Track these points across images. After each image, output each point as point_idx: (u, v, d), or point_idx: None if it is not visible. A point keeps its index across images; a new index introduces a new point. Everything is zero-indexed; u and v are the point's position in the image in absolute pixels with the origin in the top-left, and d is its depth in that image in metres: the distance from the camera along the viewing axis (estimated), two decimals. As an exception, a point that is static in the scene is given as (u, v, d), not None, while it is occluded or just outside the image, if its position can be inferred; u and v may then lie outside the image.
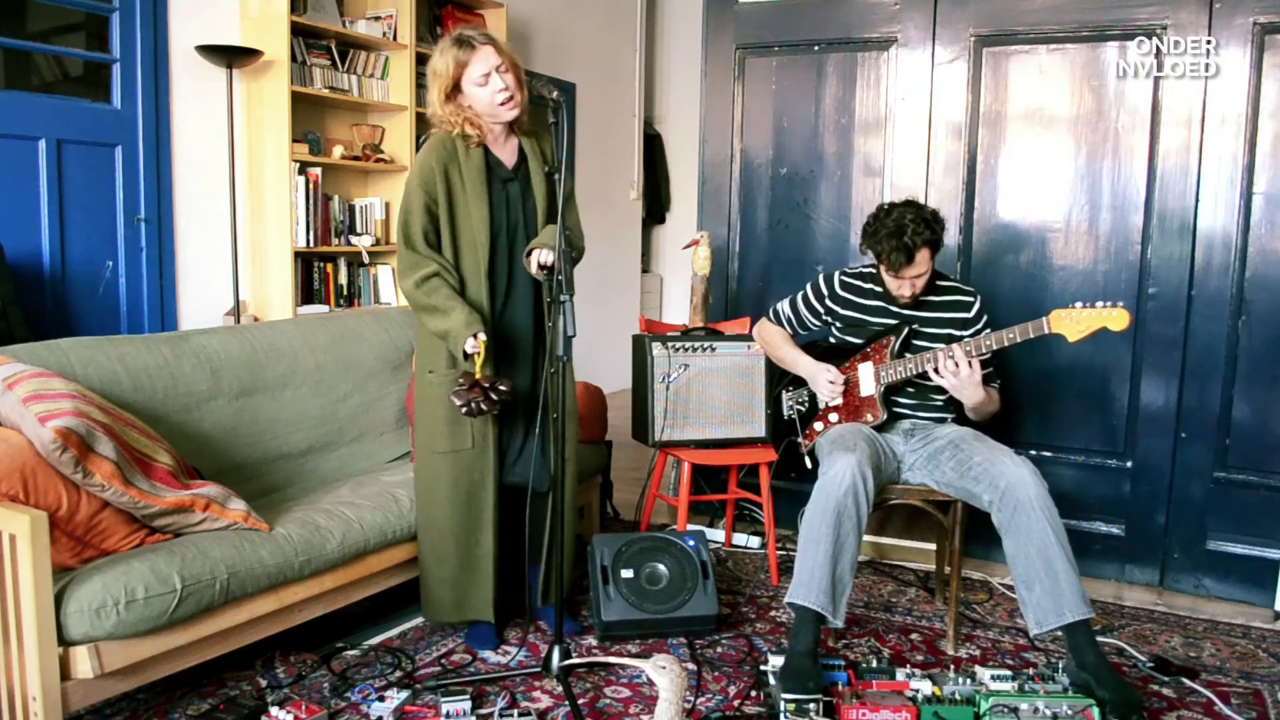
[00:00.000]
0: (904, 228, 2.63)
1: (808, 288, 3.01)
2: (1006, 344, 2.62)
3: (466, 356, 2.47)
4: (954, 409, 2.83)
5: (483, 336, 2.42)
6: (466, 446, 2.58)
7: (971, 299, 2.83)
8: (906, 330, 2.79)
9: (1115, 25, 3.24)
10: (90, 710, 2.26)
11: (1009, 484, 2.47)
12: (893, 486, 2.76)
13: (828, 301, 2.95)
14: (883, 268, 2.75)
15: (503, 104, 2.48)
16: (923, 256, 2.67)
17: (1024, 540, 2.44)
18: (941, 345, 2.73)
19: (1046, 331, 2.57)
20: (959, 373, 2.62)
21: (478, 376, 2.41)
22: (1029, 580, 2.44)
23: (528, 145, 2.62)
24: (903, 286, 2.73)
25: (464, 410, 2.37)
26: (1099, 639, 2.80)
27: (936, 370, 2.66)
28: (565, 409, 2.51)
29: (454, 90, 2.50)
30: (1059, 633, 2.43)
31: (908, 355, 2.76)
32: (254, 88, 3.96)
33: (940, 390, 2.74)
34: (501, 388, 2.39)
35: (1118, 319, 2.53)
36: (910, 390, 2.84)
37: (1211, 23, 3.11)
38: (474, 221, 2.53)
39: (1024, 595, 2.46)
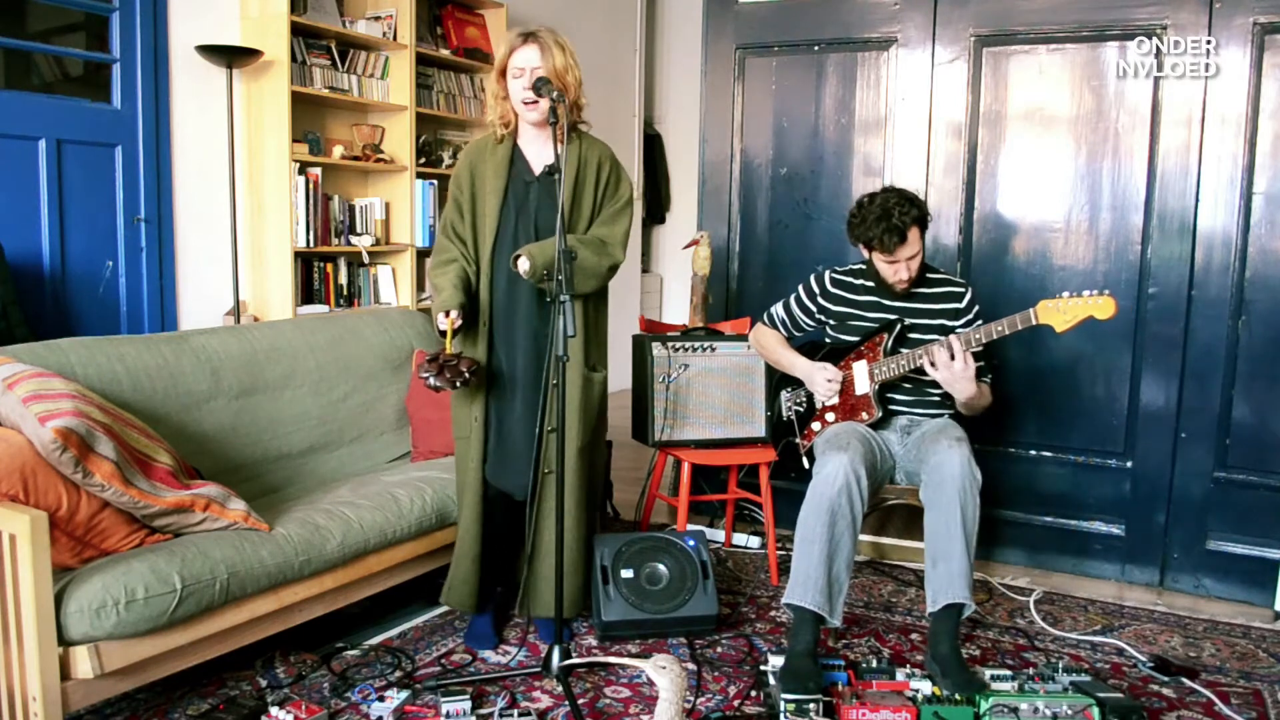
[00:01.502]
0: (890, 210, 2.68)
1: (799, 289, 3.02)
2: (996, 336, 2.63)
3: (443, 334, 2.52)
4: (950, 405, 2.83)
5: (454, 315, 2.48)
6: (465, 435, 2.64)
7: (962, 289, 2.85)
8: (899, 327, 2.80)
9: (1115, 25, 3.24)
10: (90, 710, 2.26)
11: (938, 462, 2.53)
12: (890, 486, 2.76)
13: (820, 300, 2.96)
14: (875, 255, 2.76)
15: (525, 103, 2.51)
16: (914, 235, 2.70)
17: (937, 517, 2.51)
18: (935, 338, 2.74)
19: (1034, 322, 2.58)
20: (952, 366, 2.62)
21: (448, 352, 2.48)
22: (935, 558, 2.50)
23: (572, 151, 2.58)
24: (899, 270, 2.75)
25: (426, 383, 2.43)
26: (1096, 638, 2.82)
27: (932, 364, 2.67)
28: (565, 414, 2.50)
29: (502, 73, 2.55)
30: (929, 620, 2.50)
31: (901, 351, 2.77)
32: (254, 88, 3.96)
33: (937, 385, 2.75)
34: (460, 367, 2.44)
35: (1103, 307, 2.54)
36: (906, 386, 2.84)
37: (1211, 23, 3.11)
38: (486, 217, 2.60)
39: (929, 571, 2.52)
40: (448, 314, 2.49)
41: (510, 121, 2.60)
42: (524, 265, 2.46)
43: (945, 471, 2.50)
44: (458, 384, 2.44)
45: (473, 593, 2.66)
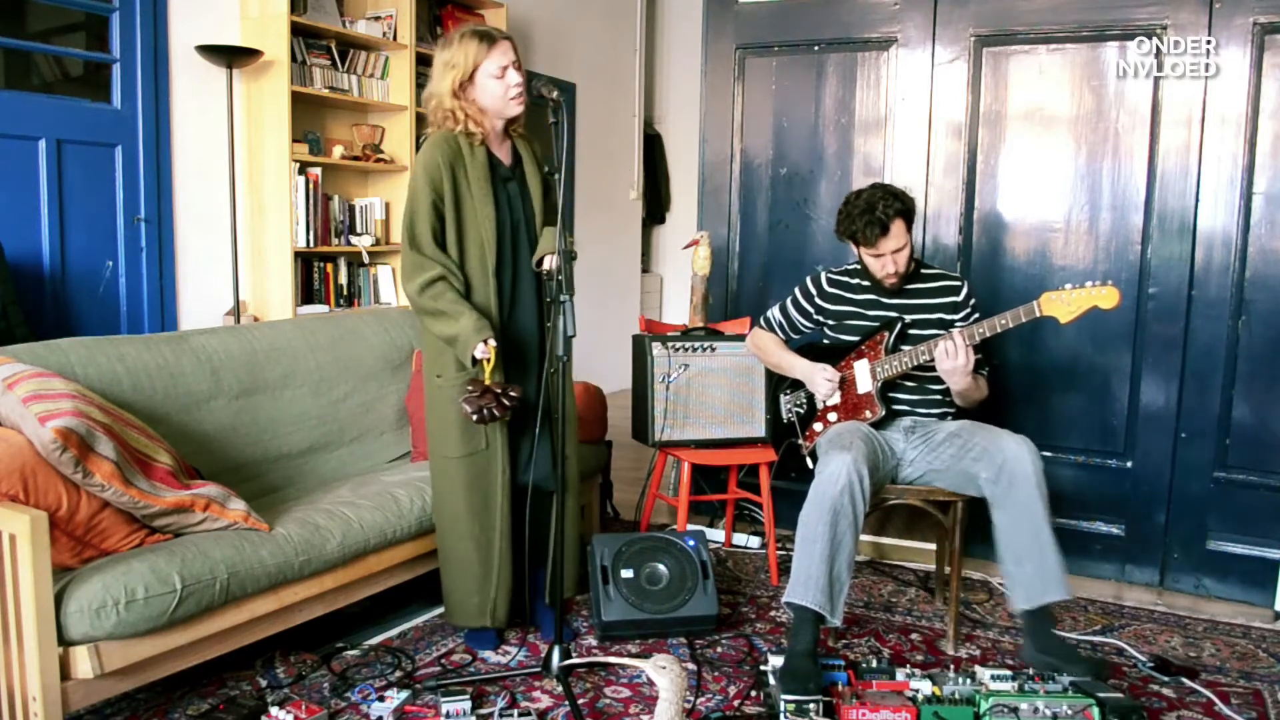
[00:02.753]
0: (874, 204, 2.70)
1: (796, 291, 3.02)
2: (1000, 329, 2.63)
3: (475, 362, 2.45)
4: (953, 403, 2.83)
5: (493, 342, 2.41)
6: (481, 449, 2.57)
7: (959, 283, 2.86)
8: (900, 324, 2.80)
9: (1115, 25, 3.24)
10: (90, 710, 2.26)
11: (1007, 459, 2.51)
12: (892, 486, 2.76)
13: (817, 300, 2.96)
14: (862, 250, 2.78)
15: (514, 98, 2.51)
16: (898, 228, 2.71)
17: (1018, 515, 2.49)
18: (936, 333, 2.74)
19: (1038, 314, 2.58)
20: (957, 359, 2.62)
21: (488, 382, 2.40)
22: (1019, 556, 2.49)
23: (522, 147, 2.65)
24: (885, 265, 2.75)
25: (475, 418, 2.36)
26: (1096, 637, 2.82)
27: (935, 358, 2.67)
28: (565, 410, 2.51)
29: (466, 82, 2.51)
30: (1021, 619, 2.53)
31: (902, 349, 2.77)
32: (254, 88, 3.96)
33: (939, 382, 2.75)
34: (512, 394, 2.39)
35: (1107, 297, 2.54)
36: (909, 385, 2.84)
37: (1211, 23, 3.11)
38: (480, 220, 2.53)
39: (1012, 570, 2.52)
40: (486, 342, 2.41)
41: (483, 124, 2.54)
42: (558, 264, 2.41)
43: (1019, 470, 2.49)
44: (508, 414, 2.40)
45: (510, 601, 2.65)
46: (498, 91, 2.50)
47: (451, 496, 2.60)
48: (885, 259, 2.74)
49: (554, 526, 2.59)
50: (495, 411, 2.35)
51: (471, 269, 2.54)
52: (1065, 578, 2.48)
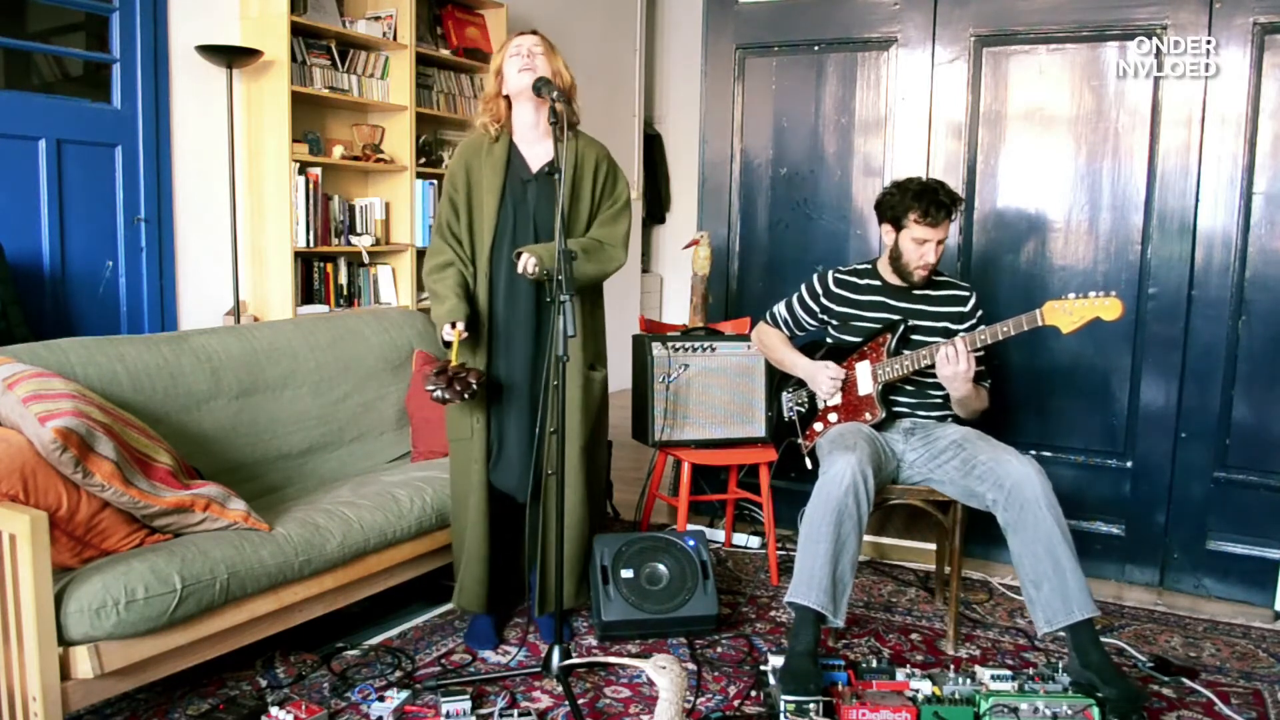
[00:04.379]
0: (936, 187, 2.72)
1: (802, 288, 3.01)
2: (1001, 337, 2.62)
3: (448, 345, 2.52)
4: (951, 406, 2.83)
5: (460, 326, 2.47)
6: (466, 437, 2.62)
7: (967, 293, 2.85)
8: (903, 327, 2.80)
9: (1115, 25, 3.24)
10: (90, 710, 2.26)
11: (1015, 483, 2.46)
12: (892, 486, 2.76)
13: (823, 300, 2.95)
14: (912, 227, 2.72)
15: (520, 70, 2.54)
16: (947, 223, 2.73)
17: (1031, 539, 2.44)
18: (938, 340, 2.73)
19: (1040, 323, 2.57)
20: (957, 366, 2.61)
21: (453, 364, 2.47)
22: (1037, 579, 2.43)
23: (568, 149, 2.57)
24: (925, 253, 2.73)
25: (432, 396, 2.42)
26: (1100, 638, 2.81)
27: (932, 363, 2.67)
28: (566, 414, 2.50)
29: (500, 76, 2.61)
30: (1062, 632, 2.43)
31: (905, 352, 2.76)
32: (254, 88, 3.96)
33: (939, 387, 2.75)
34: (469, 379, 2.43)
35: (1111, 308, 2.53)
36: (909, 389, 2.84)
37: (1211, 23, 3.11)
38: (484, 216, 2.59)
39: (1032, 594, 2.45)
40: (454, 325, 2.48)
41: (501, 117, 2.61)
42: (530, 264, 2.44)
43: (1028, 493, 2.43)
44: (465, 396, 2.42)
45: (485, 593, 2.66)
46: (512, 70, 2.57)
47: (452, 478, 2.71)
48: (928, 246, 2.73)
49: (544, 531, 2.59)
50: (446, 394, 2.40)
51: (478, 262, 2.62)
52: (1088, 595, 2.38)
